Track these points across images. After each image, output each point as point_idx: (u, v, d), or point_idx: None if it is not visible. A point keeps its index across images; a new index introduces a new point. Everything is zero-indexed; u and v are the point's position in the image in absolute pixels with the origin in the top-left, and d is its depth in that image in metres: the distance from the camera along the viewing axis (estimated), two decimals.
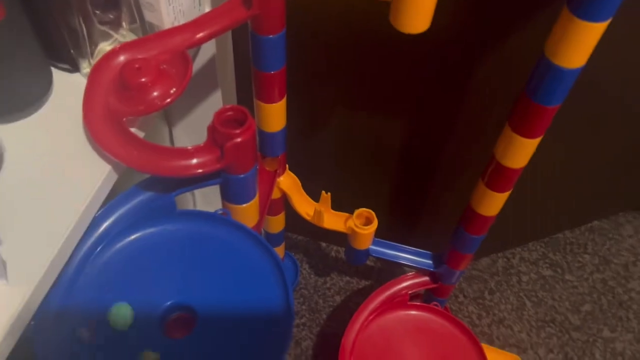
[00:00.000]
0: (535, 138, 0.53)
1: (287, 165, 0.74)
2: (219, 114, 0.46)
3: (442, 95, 0.72)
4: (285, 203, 0.80)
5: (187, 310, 0.47)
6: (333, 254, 1.03)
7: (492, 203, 0.63)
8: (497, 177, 0.59)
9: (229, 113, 0.47)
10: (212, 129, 0.46)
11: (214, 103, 0.70)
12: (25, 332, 0.39)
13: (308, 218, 0.76)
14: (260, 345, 0.45)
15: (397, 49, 0.67)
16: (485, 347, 0.82)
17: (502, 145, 0.56)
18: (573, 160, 0.87)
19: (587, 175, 0.91)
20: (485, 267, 1.02)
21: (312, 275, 1.00)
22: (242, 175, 0.50)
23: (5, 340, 0.37)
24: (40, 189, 0.43)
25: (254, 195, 0.54)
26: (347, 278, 1.00)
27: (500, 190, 0.60)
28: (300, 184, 0.76)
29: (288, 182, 0.75)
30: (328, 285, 0.99)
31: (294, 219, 0.83)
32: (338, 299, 0.97)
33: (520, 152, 0.55)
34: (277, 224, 0.83)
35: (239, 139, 0.46)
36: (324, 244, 1.04)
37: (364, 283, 1.00)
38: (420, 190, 0.86)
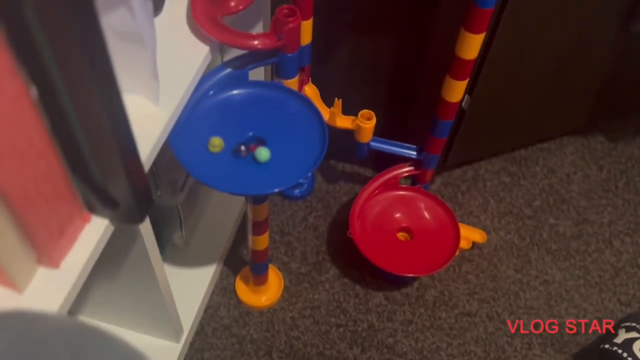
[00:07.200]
0: (478, 34, 0.82)
1: (310, 78, 1.02)
2: (279, 10, 0.74)
3: (416, 23, 1.00)
4: None
5: (259, 140, 0.75)
6: (340, 168, 1.31)
7: (454, 90, 0.91)
8: (456, 67, 0.87)
9: (285, 10, 0.75)
10: (275, 20, 0.74)
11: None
12: (166, 142, 0.67)
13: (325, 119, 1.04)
14: (305, 156, 0.73)
15: None
16: (459, 223, 1.10)
17: (458, 43, 0.85)
18: (515, 90, 1.15)
19: (535, 103, 1.20)
20: (457, 176, 1.30)
21: (324, 183, 1.28)
22: (290, 55, 0.78)
23: (156, 146, 0.65)
24: (172, 54, 0.71)
25: (296, 74, 0.82)
26: (351, 185, 1.28)
27: (459, 78, 0.89)
28: (319, 93, 1.04)
29: (311, 92, 1.03)
30: (337, 189, 1.27)
31: None
32: (345, 198, 1.25)
33: (469, 45, 0.84)
34: None
35: (292, 24, 0.74)
36: (332, 161, 1.32)
37: None
38: (409, 93, 1.13)
